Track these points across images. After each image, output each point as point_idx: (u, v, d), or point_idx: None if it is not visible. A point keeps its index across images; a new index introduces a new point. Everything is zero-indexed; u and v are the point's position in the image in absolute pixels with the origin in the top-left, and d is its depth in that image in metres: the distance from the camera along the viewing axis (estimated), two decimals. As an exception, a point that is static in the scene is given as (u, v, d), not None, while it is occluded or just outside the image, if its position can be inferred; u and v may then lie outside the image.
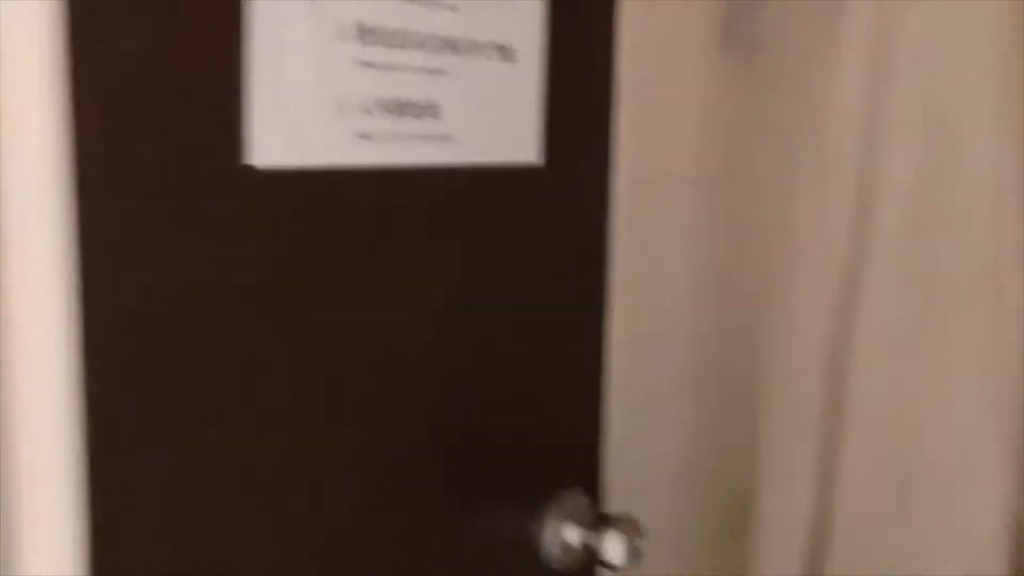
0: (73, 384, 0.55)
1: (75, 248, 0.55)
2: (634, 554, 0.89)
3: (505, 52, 0.84)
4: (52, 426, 0.55)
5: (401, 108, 0.76)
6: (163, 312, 0.60)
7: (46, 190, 0.53)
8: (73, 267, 0.55)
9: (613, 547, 0.89)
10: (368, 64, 0.73)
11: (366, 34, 0.72)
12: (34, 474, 0.55)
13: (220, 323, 0.64)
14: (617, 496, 1.02)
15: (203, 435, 0.64)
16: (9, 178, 0.53)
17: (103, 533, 0.57)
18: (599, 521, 0.91)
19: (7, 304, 0.54)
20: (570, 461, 0.94)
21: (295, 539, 0.70)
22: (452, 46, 0.79)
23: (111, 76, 0.56)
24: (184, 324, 0.62)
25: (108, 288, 0.57)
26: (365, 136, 0.73)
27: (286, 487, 0.70)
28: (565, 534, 0.91)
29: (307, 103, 0.69)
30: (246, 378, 0.66)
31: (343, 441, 0.73)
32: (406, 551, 0.79)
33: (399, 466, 0.78)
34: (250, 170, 0.65)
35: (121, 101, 0.57)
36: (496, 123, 0.84)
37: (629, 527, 0.90)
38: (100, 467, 0.57)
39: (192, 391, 0.63)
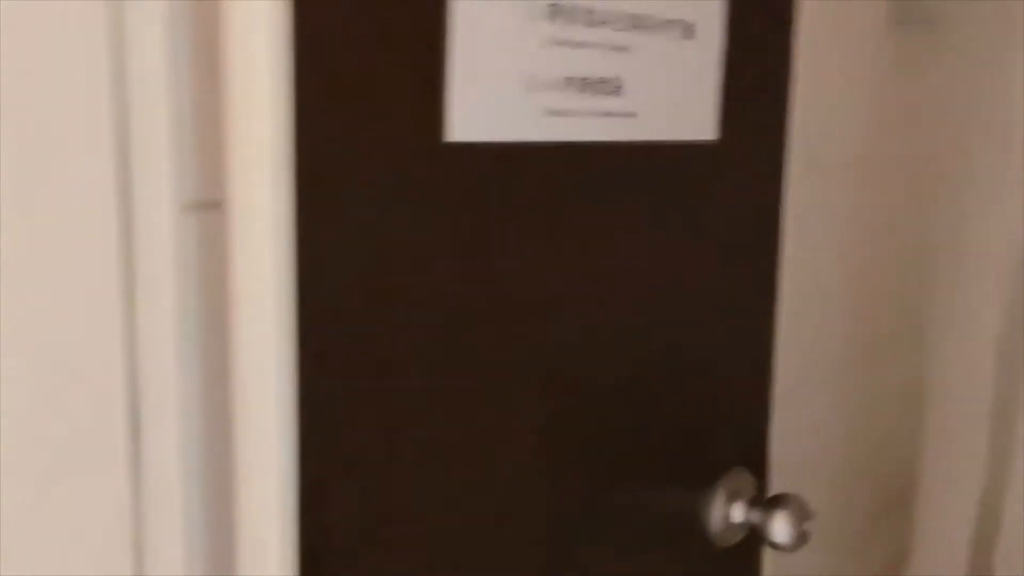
0: (287, 351, 0.58)
1: (293, 222, 0.58)
2: (802, 537, 0.89)
3: (687, 29, 0.84)
4: (266, 386, 0.58)
5: (588, 85, 0.77)
6: (371, 283, 0.63)
7: (270, 176, 0.56)
8: (290, 239, 0.58)
9: (781, 528, 0.88)
10: (558, 42, 0.74)
11: (557, 12, 0.73)
12: (250, 446, 0.59)
13: (419, 290, 0.67)
14: (777, 475, 1.02)
15: (402, 399, 0.66)
16: (238, 161, 0.56)
17: (312, 497, 0.60)
18: (767, 501, 0.91)
19: (231, 276, 0.57)
20: (737, 440, 0.94)
21: (483, 509, 0.73)
22: (637, 23, 0.79)
23: (330, 61, 0.59)
24: (389, 293, 0.64)
25: (322, 259, 0.60)
26: (553, 112, 0.75)
27: (477, 456, 0.72)
28: (731, 513, 0.91)
29: (501, 81, 0.71)
30: (441, 349, 0.69)
31: (526, 414, 0.75)
32: (578, 523, 0.81)
33: (575, 440, 0.79)
34: (448, 145, 0.67)
35: (338, 83, 0.60)
36: (676, 100, 0.84)
37: (798, 509, 0.89)
38: (311, 436, 0.60)
39: (398, 358, 0.65)
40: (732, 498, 0.91)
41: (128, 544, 0.58)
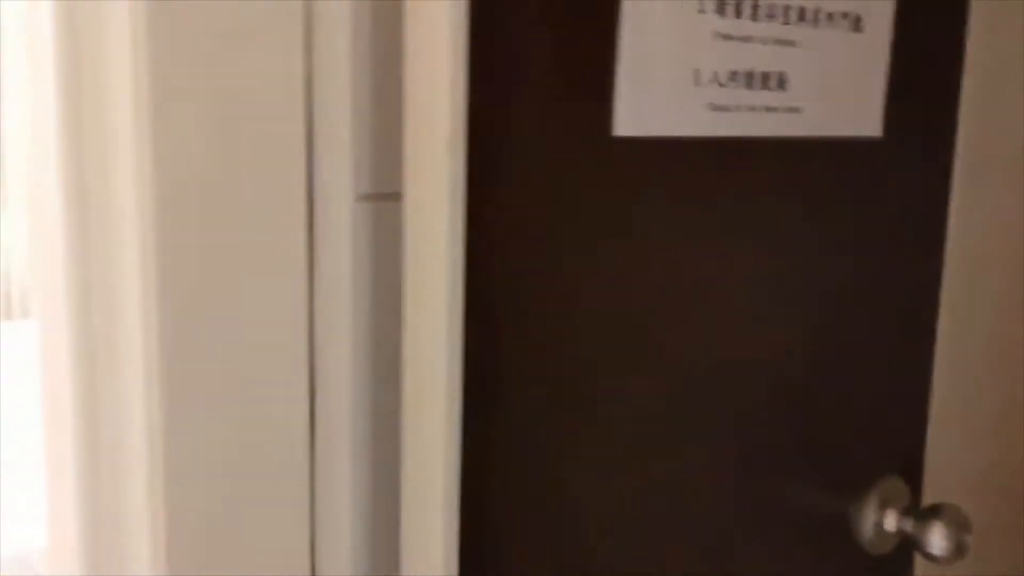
0: (457, 342, 0.59)
1: (467, 214, 0.58)
2: (960, 549, 0.86)
3: (855, 22, 0.81)
4: (436, 379, 0.59)
5: (753, 80, 0.75)
6: (540, 274, 0.64)
7: (446, 170, 0.57)
8: (463, 231, 0.58)
9: (939, 540, 0.86)
10: (724, 35, 0.73)
11: (725, 6, 0.72)
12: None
13: (586, 282, 0.67)
14: (929, 483, 0.98)
15: (568, 392, 0.67)
16: (415, 156, 0.57)
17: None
18: (922, 511, 0.88)
19: (405, 265, 0.58)
20: (892, 447, 0.91)
21: (644, 507, 0.73)
22: (804, 16, 0.78)
23: (503, 58, 0.60)
24: (556, 284, 0.65)
25: (494, 250, 0.60)
26: (717, 107, 0.74)
27: (640, 455, 0.72)
28: (884, 521, 0.88)
29: (667, 75, 0.70)
30: (607, 341, 0.69)
31: (687, 413, 0.75)
32: (736, 521, 0.80)
33: (733, 440, 0.78)
34: (616, 139, 0.67)
35: (511, 79, 0.60)
36: (842, 95, 0.82)
37: (956, 520, 0.86)
38: (477, 431, 0.60)
39: (566, 351, 0.66)
40: (884, 505, 0.89)
41: (305, 543, 0.60)
